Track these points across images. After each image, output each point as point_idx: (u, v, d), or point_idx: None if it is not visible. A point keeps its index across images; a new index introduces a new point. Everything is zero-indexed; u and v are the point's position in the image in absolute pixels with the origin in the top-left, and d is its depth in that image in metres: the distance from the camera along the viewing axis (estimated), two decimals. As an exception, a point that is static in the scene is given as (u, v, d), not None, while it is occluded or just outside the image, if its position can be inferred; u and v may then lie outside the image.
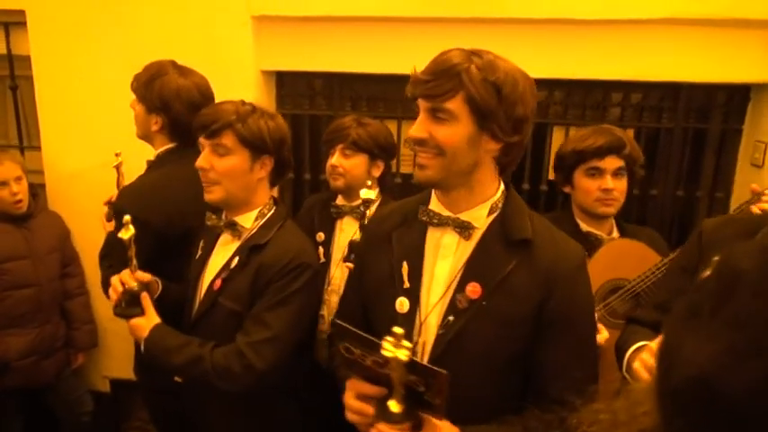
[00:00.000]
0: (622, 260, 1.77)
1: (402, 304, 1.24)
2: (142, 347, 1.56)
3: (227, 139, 1.51)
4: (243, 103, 1.57)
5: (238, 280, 1.53)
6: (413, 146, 1.20)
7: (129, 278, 1.58)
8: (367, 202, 1.92)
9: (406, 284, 1.25)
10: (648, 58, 2.36)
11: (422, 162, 1.19)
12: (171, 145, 1.92)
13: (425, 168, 1.18)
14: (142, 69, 1.93)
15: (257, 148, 1.53)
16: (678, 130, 2.51)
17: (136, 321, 1.57)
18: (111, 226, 1.88)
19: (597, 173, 1.82)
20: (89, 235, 2.59)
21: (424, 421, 1.08)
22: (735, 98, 2.49)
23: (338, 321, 1.13)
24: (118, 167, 2.07)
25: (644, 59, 2.36)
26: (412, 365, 1.01)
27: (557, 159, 1.92)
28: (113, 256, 1.88)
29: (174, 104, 1.86)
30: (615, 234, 1.92)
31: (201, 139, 1.55)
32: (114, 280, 1.59)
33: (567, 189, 1.93)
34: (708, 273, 0.49)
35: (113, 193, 2.06)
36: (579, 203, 1.89)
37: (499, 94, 1.12)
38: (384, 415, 1.08)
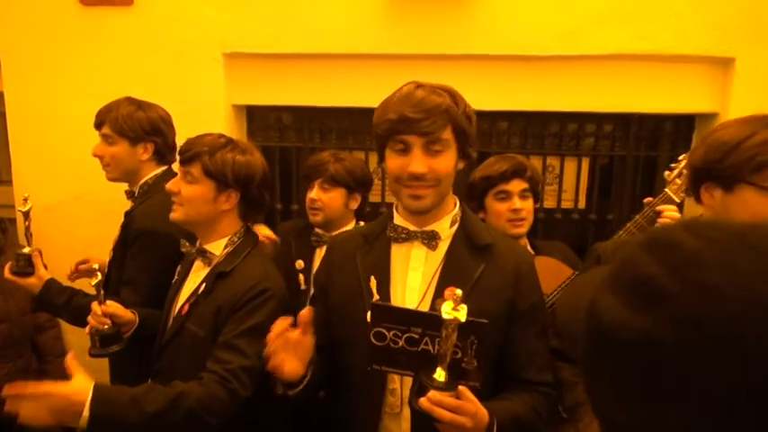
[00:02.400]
0: (544, 276, 1.89)
1: None
2: (86, 415, 1.26)
3: (195, 169, 1.58)
4: (220, 136, 1.64)
5: (203, 306, 1.57)
6: (409, 181, 1.28)
7: (99, 316, 1.60)
8: None
9: (376, 296, 1.34)
10: (600, 90, 2.50)
11: (419, 193, 1.29)
12: (159, 170, 2.01)
13: (422, 198, 1.30)
14: (107, 111, 1.99)
15: (221, 181, 1.59)
16: (630, 157, 2.66)
17: (66, 389, 1.29)
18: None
19: (506, 196, 1.95)
20: (59, 268, 2.59)
21: (462, 394, 1.13)
22: (681, 127, 2.66)
23: (378, 302, 1.22)
24: (27, 213, 1.96)
25: (596, 92, 2.50)
26: (463, 325, 1.08)
27: (468, 188, 2.04)
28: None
29: (163, 127, 2.00)
30: (530, 251, 2.02)
31: (178, 165, 1.64)
32: (89, 321, 1.63)
33: (481, 215, 2.02)
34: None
35: (90, 261, 2.10)
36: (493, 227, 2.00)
37: (470, 120, 1.31)
38: (429, 385, 1.11)
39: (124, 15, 2.54)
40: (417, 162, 1.26)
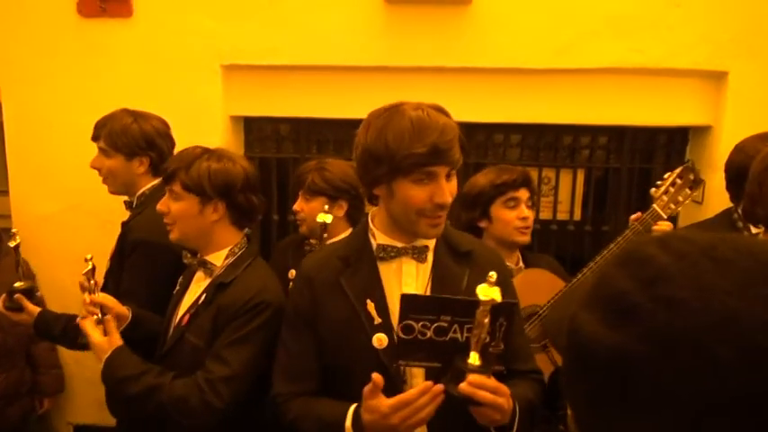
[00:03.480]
0: (534, 288, 1.91)
1: (380, 340, 1.29)
2: (101, 369, 1.52)
3: (176, 186, 1.59)
4: (195, 147, 1.64)
5: (203, 316, 1.57)
6: (434, 211, 1.27)
7: (88, 305, 1.58)
8: (323, 226, 1.92)
9: (377, 320, 1.30)
10: (595, 103, 2.53)
11: (440, 222, 1.30)
12: (155, 181, 2.01)
13: (441, 224, 1.31)
14: (103, 124, 1.99)
15: (201, 193, 1.57)
16: (624, 169, 2.68)
17: (98, 340, 1.53)
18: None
19: (515, 204, 1.95)
20: (55, 278, 2.59)
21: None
22: (675, 140, 2.68)
23: (408, 293, 1.23)
24: (16, 248, 1.95)
25: (591, 105, 2.53)
26: (496, 307, 1.12)
27: (473, 196, 2.00)
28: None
29: (158, 141, 1.98)
30: (521, 264, 2.03)
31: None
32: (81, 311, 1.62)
33: (483, 224, 2.00)
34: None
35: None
36: (497, 235, 1.97)
37: (461, 141, 1.28)
38: (467, 370, 1.14)
39: (123, 27, 2.55)
40: (446, 191, 1.25)
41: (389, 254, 1.34)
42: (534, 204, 2.02)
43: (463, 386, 1.11)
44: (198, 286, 1.67)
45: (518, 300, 1.45)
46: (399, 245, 1.34)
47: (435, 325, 1.16)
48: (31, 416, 2.57)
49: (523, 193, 1.96)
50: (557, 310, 1.81)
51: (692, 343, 0.46)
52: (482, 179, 2.01)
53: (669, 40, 2.39)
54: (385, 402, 1.16)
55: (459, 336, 1.18)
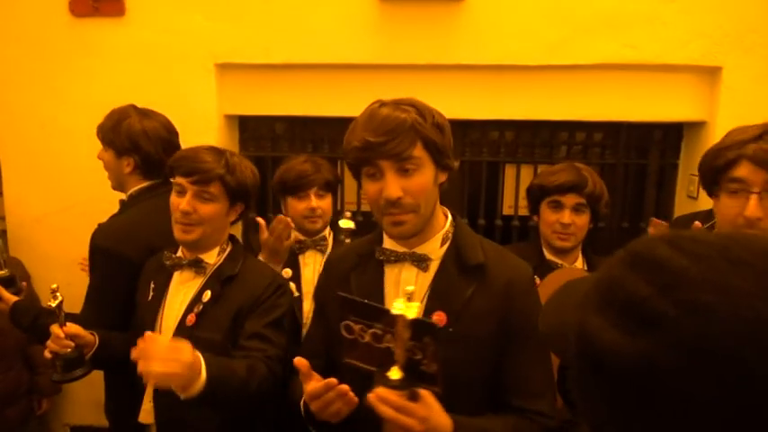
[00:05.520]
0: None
1: None
2: (203, 383, 1.32)
3: (215, 188, 1.59)
4: (223, 151, 1.64)
5: (215, 312, 1.57)
6: (386, 208, 1.23)
7: (61, 339, 1.55)
8: (348, 232, 2.00)
9: None
10: (590, 99, 2.52)
11: (399, 219, 1.24)
12: (145, 183, 1.98)
13: (403, 224, 1.25)
14: (104, 118, 1.98)
15: (238, 196, 1.64)
16: (620, 165, 2.68)
17: (186, 358, 1.29)
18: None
19: (558, 207, 1.93)
20: (50, 280, 2.56)
21: (421, 397, 1.10)
22: (670, 135, 2.69)
23: (343, 294, 1.17)
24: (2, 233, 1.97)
25: (586, 101, 2.53)
26: (415, 324, 1.06)
27: (528, 190, 2.05)
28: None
29: (143, 143, 1.93)
30: (584, 267, 2.02)
31: (184, 183, 1.58)
32: (49, 346, 1.57)
33: (535, 218, 2.05)
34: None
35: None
36: (542, 234, 2.01)
37: (442, 131, 1.25)
38: (380, 382, 1.10)
39: (116, 26, 2.54)
40: (391, 186, 1.21)
41: (390, 258, 1.32)
42: (593, 211, 1.94)
43: (369, 396, 1.07)
44: (186, 287, 1.64)
45: (534, 322, 1.36)
46: (400, 250, 1.32)
47: (371, 330, 1.13)
48: (29, 417, 2.57)
49: (570, 199, 1.91)
50: (549, 314, 1.76)
51: (722, 351, 0.45)
52: (540, 176, 2.03)
53: (663, 36, 2.39)
54: (307, 387, 1.17)
55: (392, 346, 1.12)
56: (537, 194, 1.99)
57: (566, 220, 1.91)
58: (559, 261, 1.98)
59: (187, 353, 1.30)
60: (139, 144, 1.92)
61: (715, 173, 1.32)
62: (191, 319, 1.58)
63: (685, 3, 2.37)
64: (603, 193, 1.96)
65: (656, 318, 0.48)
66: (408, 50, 2.46)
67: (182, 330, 1.59)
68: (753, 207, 1.22)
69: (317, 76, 2.57)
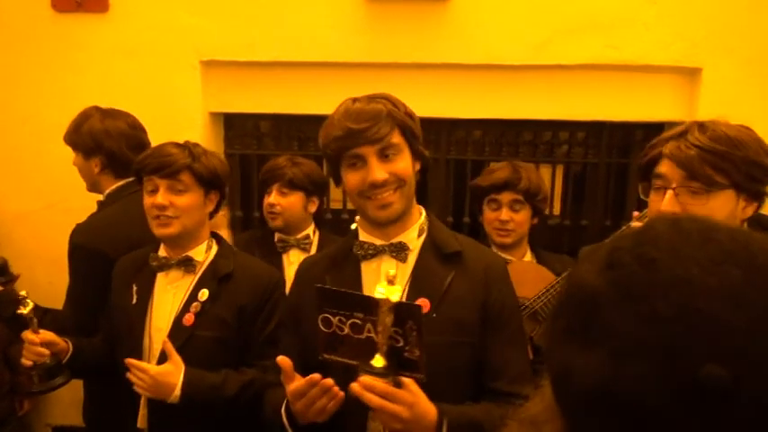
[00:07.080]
0: (522, 280, 1.91)
1: None
2: (177, 394, 1.46)
3: (185, 177, 1.58)
4: (186, 144, 1.64)
5: (215, 309, 1.57)
6: (372, 191, 1.26)
7: (36, 347, 1.52)
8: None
9: None
10: (573, 99, 2.55)
11: (386, 201, 1.27)
12: (119, 183, 1.97)
13: (391, 205, 1.28)
14: (70, 123, 1.98)
15: (210, 184, 1.62)
16: (602, 164, 2.71)
17: (163, 369, 1.46)
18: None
19: (496, 205, 1.99)
20: (32, 278, 2.55)
21: (405, 385, 1.10)
22: (651, 135, 2.69)
23: (320, 285, 1.18)
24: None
25: (569, 101, 2.56)
26: (398, 308, 1.07)
27: (470, 190, 2.10)
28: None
29: (106, 141, 1.92)
30: (528, 259, 2.06)
31: (155, 179, 1.57)
32: (25, 355, 1.54)
33: (481, 218, 2.08)
34: (559, 292, 0.62)
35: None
36: (486, 231, 2.07)
37: (414, 119, 1.31)
38: (364, 371, 1.09)
39: (99, 22, 2.52)
40: (376, 170, 1.24)
41: (368, 251, 1.34)
42: (533, 206, 1.99)
43: (353, 385, 1.07)
44: (175, 287, 1.63)
45: (518, 303, 1.41)
46: (378, 242, 1.34)
47: (350, 321, 1.12)
48: (11, 417, 2.54)
49: (506, 196, 1.97)
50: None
51: (641, 293, 0.51)
52: (479, 177, 2.07)
53: (645, 37, 2.42)
54: (290, 388, 1.17)
55: (374, 335, 1.12)
56: (477, 193, 2.06)
57: (503, 217, 1.97)
58: (508, 256, 1.99)
59: (174, 379, 1.46)
60: (102, 143, 1.92)
61: (644, 170, 1.37)
62: (189, 318, 1.57)
63: (667, 5, 2.41)
64: (540, 189, 2.02)
65: (617, 263, 0.55)
66: (394, 49, 2.47)
67: (179, 331, 1.57)
68: (667, 202, 1.26)
69: (302, 73, 2.57)
